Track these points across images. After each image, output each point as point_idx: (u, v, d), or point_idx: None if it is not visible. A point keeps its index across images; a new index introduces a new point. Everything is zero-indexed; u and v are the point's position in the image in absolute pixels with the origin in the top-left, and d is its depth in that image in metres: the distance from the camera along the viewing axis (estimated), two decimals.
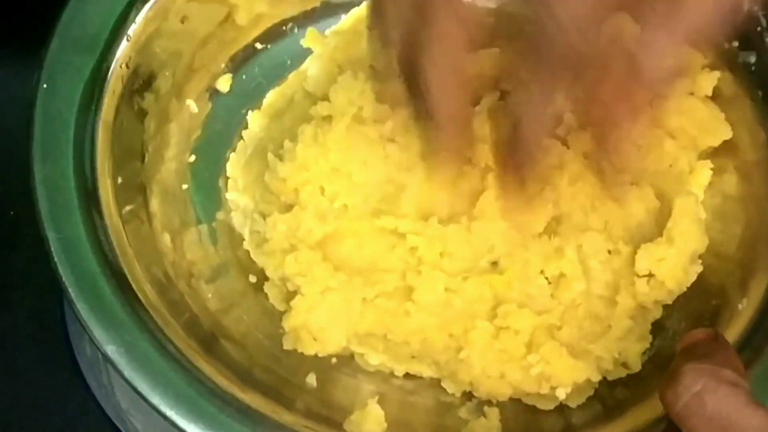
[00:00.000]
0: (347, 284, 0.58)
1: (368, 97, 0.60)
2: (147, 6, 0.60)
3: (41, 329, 0.58)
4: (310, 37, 0.67)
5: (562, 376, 0.57)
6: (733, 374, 0.48)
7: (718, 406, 0.46)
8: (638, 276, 0.60)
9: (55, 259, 0.52)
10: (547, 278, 0.60)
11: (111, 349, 0.51)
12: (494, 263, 0.60)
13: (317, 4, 0.70)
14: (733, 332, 0.57)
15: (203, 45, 0.66)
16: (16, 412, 0.65)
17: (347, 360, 0.62)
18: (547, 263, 0.59)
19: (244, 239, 0.65)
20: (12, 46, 0.74)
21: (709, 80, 0.64)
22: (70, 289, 0.52)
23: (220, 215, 0.65)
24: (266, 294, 0.63)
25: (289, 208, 0.60)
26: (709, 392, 0.46)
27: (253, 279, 0.64)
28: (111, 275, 0.53)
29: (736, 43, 0.63)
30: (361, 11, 0.68)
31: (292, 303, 0.57)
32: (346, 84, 0.61)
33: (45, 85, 0.56)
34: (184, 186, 0.65)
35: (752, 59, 0.62)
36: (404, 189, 0.60)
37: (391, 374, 0.61)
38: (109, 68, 0.58)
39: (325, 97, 0.61)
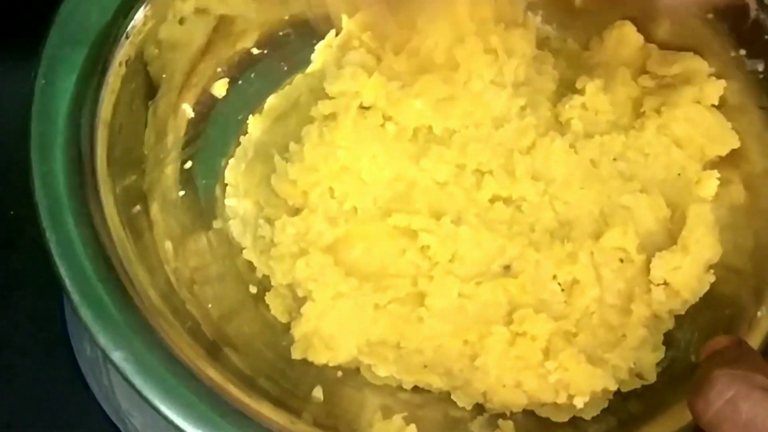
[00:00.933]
0: (358, 290, 0.56)
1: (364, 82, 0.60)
2: (146, 4, 0.58)
3: (41, 329, 0.57)
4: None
5: (580, 383, 0.56)
6: (765, 379, 0.47)
7: (753, 411, 0.45)
8: (653, 284, 0.59)
9: (57, 262, 0.50)
10: (560, 284, 0.59)
11: (117, 356, 0.48)
12: (506, 267, 0.59)
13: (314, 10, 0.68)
14: (754, 340, 0.56)
15: (200, 48, 0.64)
16: (16, 412, 0.64)
17: (353, 373, 0.60)
18: (559, 268, 0.58)
19: (243, 249, 0.63)
20: (12, 46, 0.73)
21: (715, 89, 0.63)
22: (73, 296, 0.49)
23: (216, 224, 0.64)
24: (267, 305, 0.61)
25: (296, 211, 0.59)
26: (742, 398, 0.45)
27: (253, 290, 0.62)
28: (113, 279, 0.51)
29: (743, 52, 0.62)
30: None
31: (303, 309, 0.56)
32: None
33: (43, 81, 0.54)
34: (181, 193, 0.63)
35: (760, 67, 0.62)
36: (414, 186, 0.59)
37: (399, 388, 0.60)
38: (107, 66, 0.56)
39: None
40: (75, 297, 0.49)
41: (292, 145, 0.60)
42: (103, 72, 0.56)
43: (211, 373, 0.51)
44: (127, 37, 0.57)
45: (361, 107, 0.61)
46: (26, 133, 0.53)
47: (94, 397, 0.62)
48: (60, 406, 0.64)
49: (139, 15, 0.58)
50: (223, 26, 0.65)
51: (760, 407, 0.45)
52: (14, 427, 0.64)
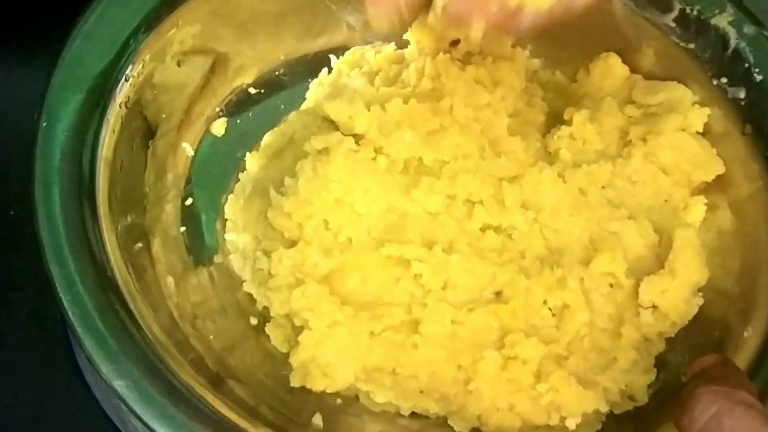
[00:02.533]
0: (354, 318, 0.58)
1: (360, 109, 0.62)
2: (145, 47, 0.60)
3: (41, 329, 0.57)
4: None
5: (572, 405, 0.57)
6: (748, 396, 0.48)
7: (736, 427, 0.46)
8: (642, 308, 0.60)
9: (61, 296, 0.51)
10: (550, 309, 0.60)
11: (119, 385, 0.50)
12: (498, 294, 0.60)
13: (307, 49, 0.71)
14: (741, 360, 0.57)
15: (198, 89, 0.66)
16: (16, 412, 0.65)
17: (352, 401, 0.61)
18: (549, 294, 0.60)
19: (243, 281, 0.64)
20: (12, 46, 0.74)
21: (699, 116, 0.65)
22: (76, 326, 0.51)
23: (217, 258, 0.65)
24: (268, 336, 0.62)
25: (293, 243, 0.60)
26: (726, 414, 0.47)
27: (254, 321, 0.63)
28: (116, 312, 0.52)
29: (725, 80, 0.64)
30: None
31: (300, 338, 0.57)
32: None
33: (45, 123, 0.56)
34: (182, 229, 0.64)
35: (741, 95, 0.63)
36: (407, 217, 0.61)
37: (397, 414, 0.61)
38: (107, 107, 0.58)
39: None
40: (78, 329, 0.51)
41: (287, 180, 0.61)
42: (104, 114, 0.58)
43: (214, 402, 0.52)
44: (126, 80, 0.59)
45: (355, 136, 0.62)
46: (30, 173, 0.54)
47: (94, 397, 0.63)
48: (60, 406, 0.64)
49: (138, 58, 0.60)
50: (219, 66, 0.67)
51: (742, 423, 0.46)
52: (14, 427, 0.64)
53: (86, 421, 0.64)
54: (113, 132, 0.58)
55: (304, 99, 0.70)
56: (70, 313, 0.51)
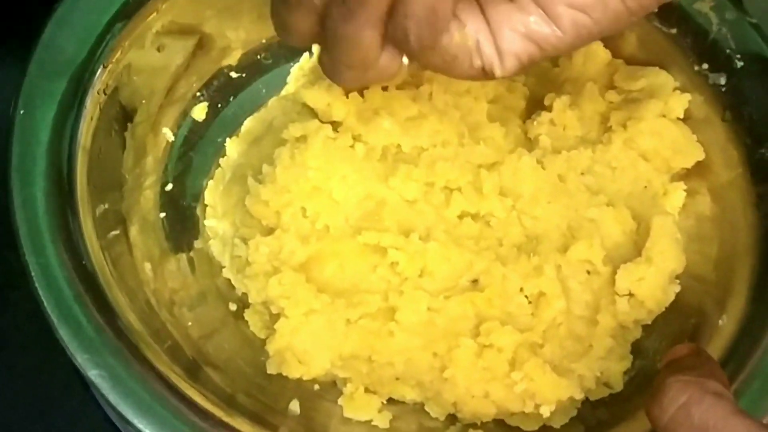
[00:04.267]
0: (330, 306, 0.58)
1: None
2: (124, 33, 0.60)
3: (41, 329, 0.57)
4: None
5: (546, 393, 0.57)
6: (718, 385, 0.48)
7: (704, 416, 0.46)
8: (618, 295, 0.60)
9: (36, 284, 0.52)
10: (527, 296, 0.60)
11: (95, 374, 0.50)
12: (474, 281, 0.60)
13: None
14: (715, 348, 0.58)
15: (179, 73, 0.66)
16: (16, 412, 0.65)
17: (329, 386, 0.61)
18: (526, 281, 0.60)
19: (223, 267, 0.64)
20: (11, 45, 0.72)
21: (680, 102, 0.65)
22: (51, 315, 0.51)
23: (198, 243, 0.65)
24: (246, 322, 0.63)
25: (270, 231, 0.60)
26: (695, 403, 0.47)
27: (233, 307, 0.64)
28: (92, 301, 0.52)
29: (706, 66, 0.64)
30: None
31: (276, 326, 0.57)
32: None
33: (22, 111, 0.56)
34: (162, 214, 0.65)
35: (722, 81, 0.63)
36: (384, 204, 0.61)
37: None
38: (85, 94, 0.58)
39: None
40: (53, 317, 0.51)
41: (265, 167, 0.61)
42: (82, 101, 0.57)
43: (189, 392, 0.53)
44: (104, 66, 0.59)
45: (333, 124, 0.62)
46: (6, 160, 0.55)
47: (94, 397, 0.63)
48: (60, 406, 0.65)
49: (117, 44, 0.60)
50: (200, 50, 0.67)
51: (711, 412, 0.46)
52: (14, 427, 0.65)
53: (86, 422, 0.65)
54: (91, 119, 0.58)
55: (285, 83, 0.70)
56: (45, 302, 0.51)
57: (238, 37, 0.69)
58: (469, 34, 0.48)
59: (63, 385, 0.65)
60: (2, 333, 0.67)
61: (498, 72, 0.48)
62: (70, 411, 0.65)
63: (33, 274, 0.52)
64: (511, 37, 0.48)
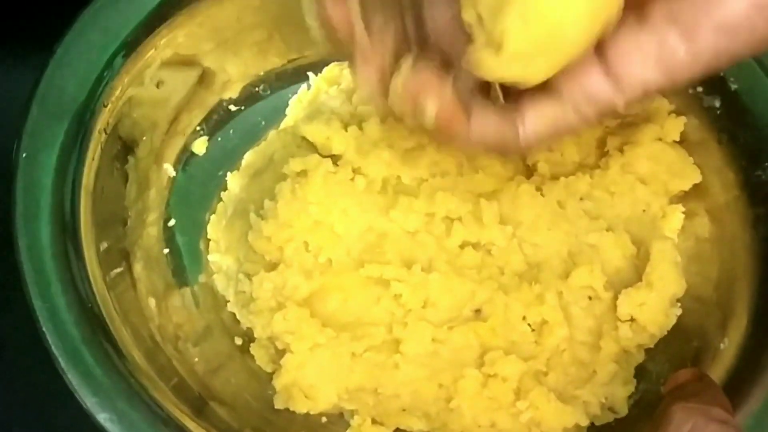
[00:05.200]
0: (335, 340, 0.58)
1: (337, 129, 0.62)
2: (123, 71, 0.60)
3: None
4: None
5: (552, 421, 0.58)
6: (722, 412, 0.48)
7: None
8: (620, 321, 0.60)
9: (43, 328, 0.52)
10: (530, 325, 0.61)
11: (103, 417, 0.50)
12: (477, 311, 0.61)
13: (288, 65, 0.71)
14: (717, 371, 0.58)
15: (178, 109, 0.67)
16: (16, 412, 0.65)
17: (337, 418, 0.62)
18: (528, 310, 0.60)
19: (227, 301, 0.65)
20: (11, 46, 0.74)
21: (676, 125, 0.65)
22: (60, 359, 0.51)
23: (202, 278, 0.66)
24: (253, 356, 0.63)
25: (274, 266, 0.61)
26: (699, 431, 0.47)
27: (238, 341, 0.64)
28: (99, 342, 0.53)
29: (700, 89, 0.64)
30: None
31: (282, 361, 0.58)
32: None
33: (24, 154, 0.56)
34: (165, 250, 0.65)
35: (717, 103, 0.64)
36: (386, 236, 0.61)
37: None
38: (87, 134, 0.58)
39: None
40: (62, 362, 0.52)
41: (267, 203, 0.62)
42: (84, 141, 0.58)
43: (197, 429, 0.53)
44: (105, 106, 0.59)
45: (333, 157, 0.63)
46: (11, 205, 0.55)
47: None
48: (60, 406, 0.64)
49: (117, 83, 0.60)
50: (200, 84, 0.68)
51: None
52: (14, 427, 0.65)
53: (86, 422, 0.64)
54: (93, 159, 0.59)
55: (284, 115, 0.70)
56: (53, 347, 0.52)
57: (238, 71, 0.69)
58: None
59: (63, 385, 0.64)
60: (2, 333, 0.67)
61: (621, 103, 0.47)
62: (70, 411, 0.64)
63: (40, 317, 0.52)
64: (636, 65, 0.45)
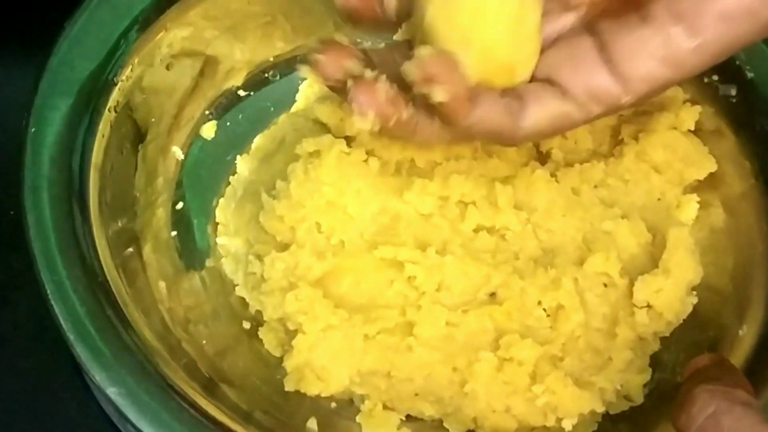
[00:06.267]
0: (348, 321, 0.57)
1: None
2: (133, 49, 0.60)
3: (41, 329, 0.57)
4: None
5: (568, 406, 0.57)
6: (746, 394, 0.48)
7: (734, 426, 0.46)
8: (636, 307, 0.60)
9: (52, 302, 0.51)
10: (545, 309, 0.60)
11: (113, 392, 0.49)
12: (492, 294, 0.60)
13: (296, 51, 0.70)
14: (737, 359, 0.57)
15: (188, 92, 0.66)
16: (16, 412, 0.64)
17: (347, 404, 0.61)
18: (544, 294, 0.59)
19: (235, 285, 0.64)
20: (12, 46, 0.74)
21: (691, 114, 0.64)
22: (68, 333, 0.50)
23: (209, 262, 0.65)
24: (261, 340, 0.62)
25: (286, 246, 0.60)
26: (724, 413, 0.46)
27: (246, 325, 0.63)
28: (109, 318, 0.52)
29: (716, 77, 0.64)
30: None
31: (294, 342, 0.57)
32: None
33: (33, 129, 0.55)
34: (173, 233, 0.64)
35: (732, 92, 0.63)
36: (399, 219, 0.61)
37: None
38: (96, 112, 0.58)
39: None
40: (70, 336, 0.50)
41: (279, 183, 0.61)
42: (93, 118, 0.57)
43: (207, 408, 0.52)
44: (115, 84, 0.59)
45: (346, 139, 0.62)
46: (19, 180, 0.54)
47: (95, 397, 0.62)
48: (60, 406, 0.64)
49: (127, 62, 0.60)
50: (209, 68, 0.67)
51: (740, 422, 0.46)
52: (14, 427, 0.64)
53: (86, 422, 0.64)
54: (102, 137, 0.58)
55: (294, 100, 0.70)
56: (61, 320, 0.51)
57: (245, 56, 0.69)
58: None
59: (63, 385, 0.65)
60: (2, 333, 0.66)
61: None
62: (70, 411, 0.65)
63: (49, 292, 0.51)
64: (642, 62, 0.47)
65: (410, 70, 0.46)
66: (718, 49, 0.46)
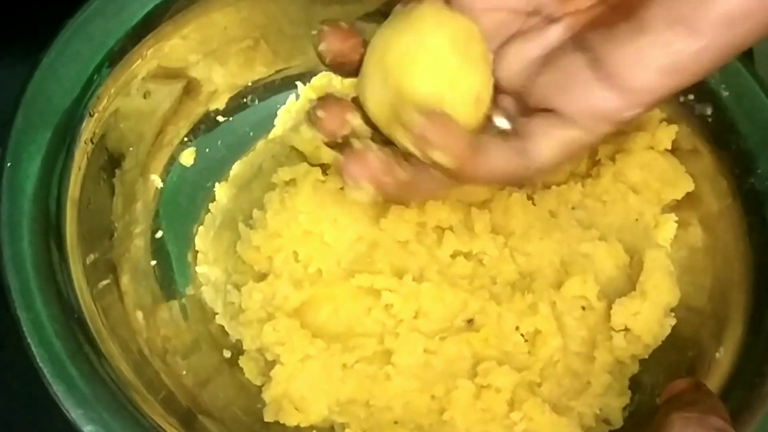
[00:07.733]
0: (326, 351, 0.57)
1: None
2: (109, 81, 0.60)
3: None
4: None
5: None
6: (720, 421, 0.48)
7: None
8: (614, 330, 0.60)
9: (28, 339, 0.51)
10: (523, 335, 0.60)
11: (89, 430, 0.49)
12: (470, 321, 0.60)
13: (275, 75, 0.70)
14: (714, 381, 0.57)
15: (166, 119, 0.66)
16: (16, 412, 0.64)
17: None
18: (521, 320, 0.59)
19: (216, 314, 0.64)
20: (12, 46, 0.74)
21: (667, 134, 0.65)
22: (45, 370, 0.50)
23: (190, 290, 0.65)
24: (241, 369, 0.62)
25: (263, 276, 0.60)
26: None
27: (227, 354, 0.63)
28: (85, 354, 0.52)
29: (691, 97, 0.64)
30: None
31: (272, 373, 0.57)
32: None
33: (9, 163, 0.55)
34: (153, 262, 0.64)
35: (708, 111, 0.63)
36: (376, 246, 0.61)
37: None
38: (73, 144, 0.57)
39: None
40: (47, 373, 0.50)
41: (256, 212, 0.61)
42: (69, 151, 0.57)
43: None
44: (91, 115, 0.59)
45: (322, 166, 0.62)
46: None
47: None
48: (60, 407, 0.63)
49: (103, 92, 0.60)
50: (189, 92, 0.67)
51: None
52: (14, 427, 0.64)
53: None
54: (79, 169, 0.58)
55: (273, 125, 0.70)
56: (38, 358, 0.51)
57: (224, 81, 0.69)
58: None
59: None
60: (2, 333, 0.65)
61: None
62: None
63: (25, 329, 0.51)
64: (644, 72, 0.45)
65: (405, 143, 0.45)
66: (718, 54, 0.45)
